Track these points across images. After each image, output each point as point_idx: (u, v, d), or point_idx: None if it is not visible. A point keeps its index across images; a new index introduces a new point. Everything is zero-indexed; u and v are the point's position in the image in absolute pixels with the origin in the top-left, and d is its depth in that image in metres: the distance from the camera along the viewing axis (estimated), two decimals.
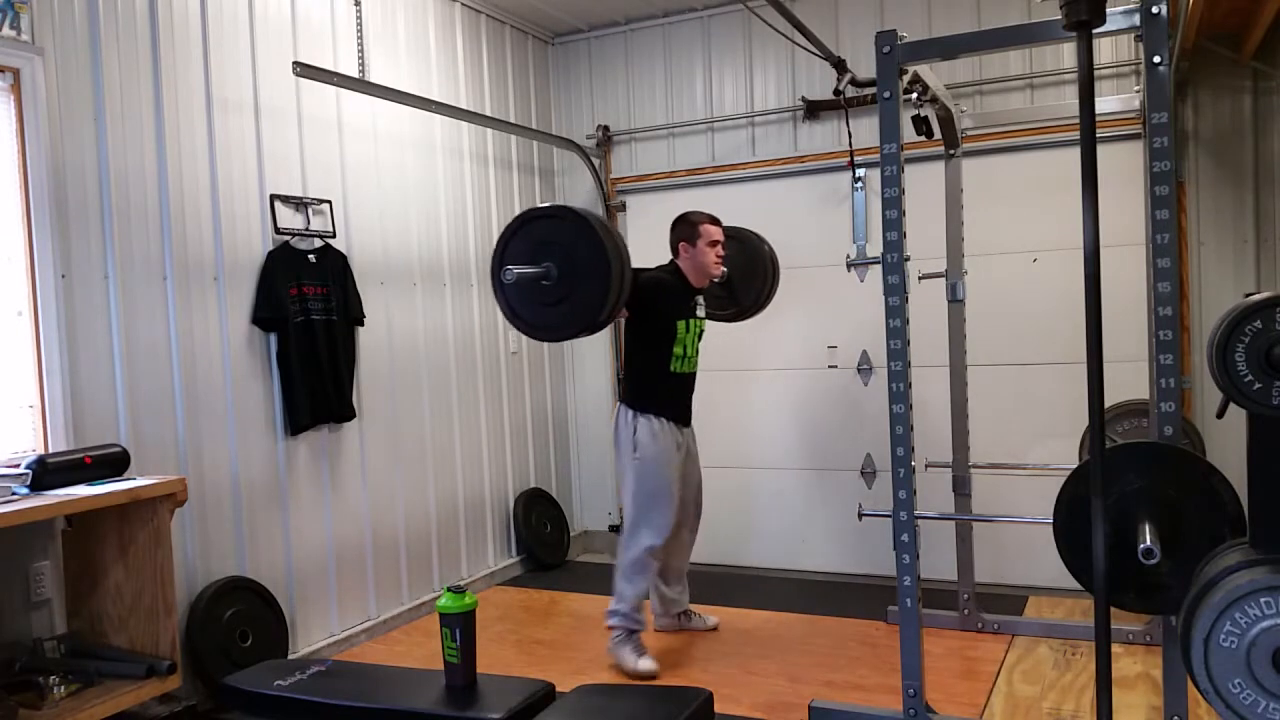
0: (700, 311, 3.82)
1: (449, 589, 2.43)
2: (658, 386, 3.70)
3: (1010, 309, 4.44)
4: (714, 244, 3.73)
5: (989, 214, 4.36)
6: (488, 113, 4.91)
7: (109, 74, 3.14)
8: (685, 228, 3.76)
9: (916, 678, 2.82)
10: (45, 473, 2.68)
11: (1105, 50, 4.26)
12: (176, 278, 3.34)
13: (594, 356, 5.51)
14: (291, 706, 2.33)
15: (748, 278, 4.13)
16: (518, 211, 5.12)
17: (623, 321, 3.68)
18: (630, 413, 3.67)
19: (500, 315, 4.99)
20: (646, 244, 5.33)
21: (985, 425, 4.08)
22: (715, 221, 3.78)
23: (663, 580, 4.00)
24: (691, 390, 3.83)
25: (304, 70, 3.64)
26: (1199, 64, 4.05)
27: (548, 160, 5.50)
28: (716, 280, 3.88)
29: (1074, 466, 2.60)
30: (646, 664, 3.54)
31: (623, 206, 5.42)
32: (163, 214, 3.30)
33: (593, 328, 3.07)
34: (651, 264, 3.81)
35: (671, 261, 3.79)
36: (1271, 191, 4.01)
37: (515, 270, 2.86)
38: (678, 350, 3.70)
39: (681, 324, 3.69)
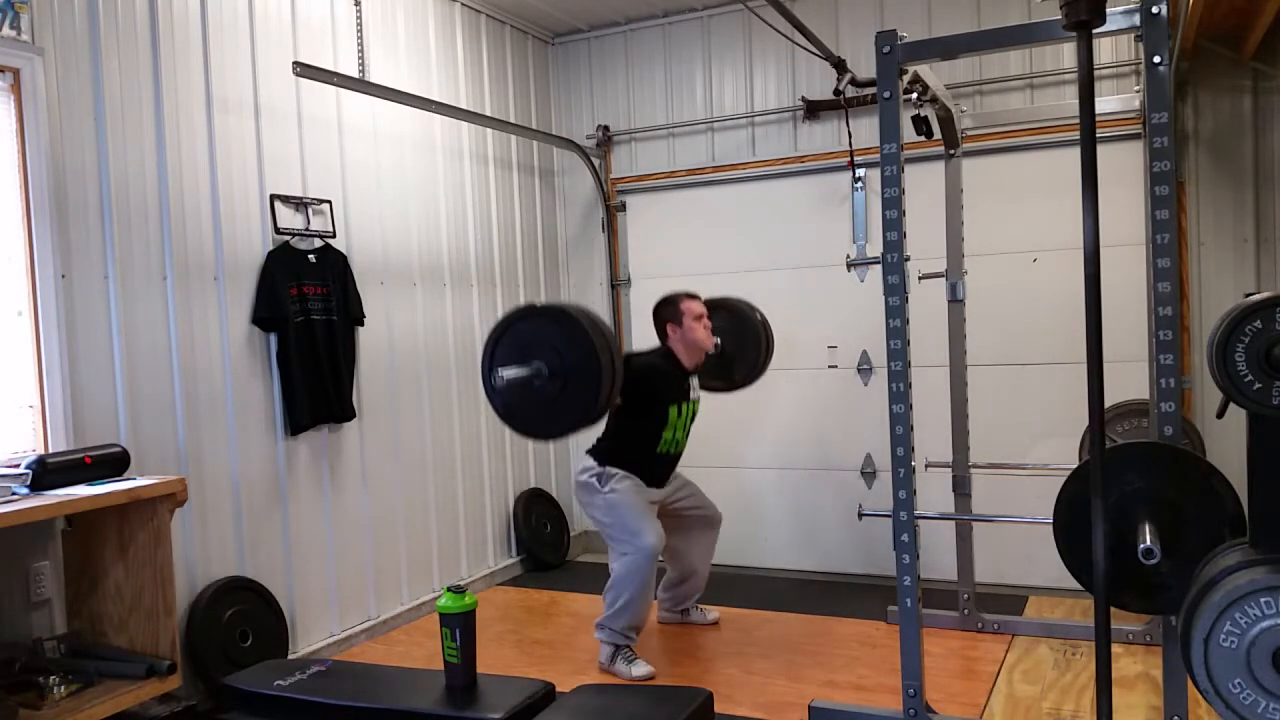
0: (694, 394, 3.78)
1: (449, 589, 2.43)
2: (639, 462, 3.66)
3: (1010, 309, 4.44)
4: (699, 318, 3.70)
5: (989, 214, 4.37)
6: (488, 113, 4.91)
7: (109, 74, 3.13)
8: (667, 309, 3.73)
9: (916, 678, 2.82)
10: (45, 473, 2.68)
11: (1105, 50, 4.26)
12: (176, 278, 3.34)
13: None
14: (291, 706, 2.33)
15: (741, 348, 4.06)
16: (517, 212, 5.19)
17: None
18: (596, 464, 3.62)
19: (501, 315, 5.03)
20: (647, 245, 5.37)
21: (985, 425, 4.08)
22: (694, 296, 3.75)
23: (679, 591, 4.04)
24: (674, 467, 3.80)
25: (304, 70, 3.64)
26: (1199, 64, 4.05)
27: (548, 160, 5.50)
28: (711, 353, 3.84)
29: (1074, 466, 2.60)
30: (641, 669, 3.54)
31: (623, 206, 5.42)
32: (163, 214, 3.30)
33: (588, 422, 3.01)
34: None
35: (662, 346, 3.76)
36: (1271, 191, 4.01)
37: (506, 374, 2.81)
38: (667, 435, 3.68)
39: (674, 409, 3.67)
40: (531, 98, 5.35)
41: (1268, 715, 1.73)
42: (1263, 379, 1.78)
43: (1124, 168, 4.09)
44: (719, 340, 3.86)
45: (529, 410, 2.95)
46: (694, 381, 3.79)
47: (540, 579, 4.97)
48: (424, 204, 4.53)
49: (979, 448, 3.95)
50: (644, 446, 3.66)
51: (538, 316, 2.99)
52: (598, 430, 3.56)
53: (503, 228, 5.08)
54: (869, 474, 4.82)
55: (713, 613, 4.14)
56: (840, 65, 4.14)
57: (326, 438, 3.93)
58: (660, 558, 3.59)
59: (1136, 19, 2.42)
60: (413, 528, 4.39)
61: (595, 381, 2.83)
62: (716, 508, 4.01)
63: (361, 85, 3.96)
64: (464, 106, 4.71)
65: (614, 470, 3.61)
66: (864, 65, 4.38)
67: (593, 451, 3.70)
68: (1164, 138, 2.33)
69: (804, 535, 4.99)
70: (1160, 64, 2.36)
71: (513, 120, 5.12)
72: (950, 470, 3.87)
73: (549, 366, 2.87)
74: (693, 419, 3.79)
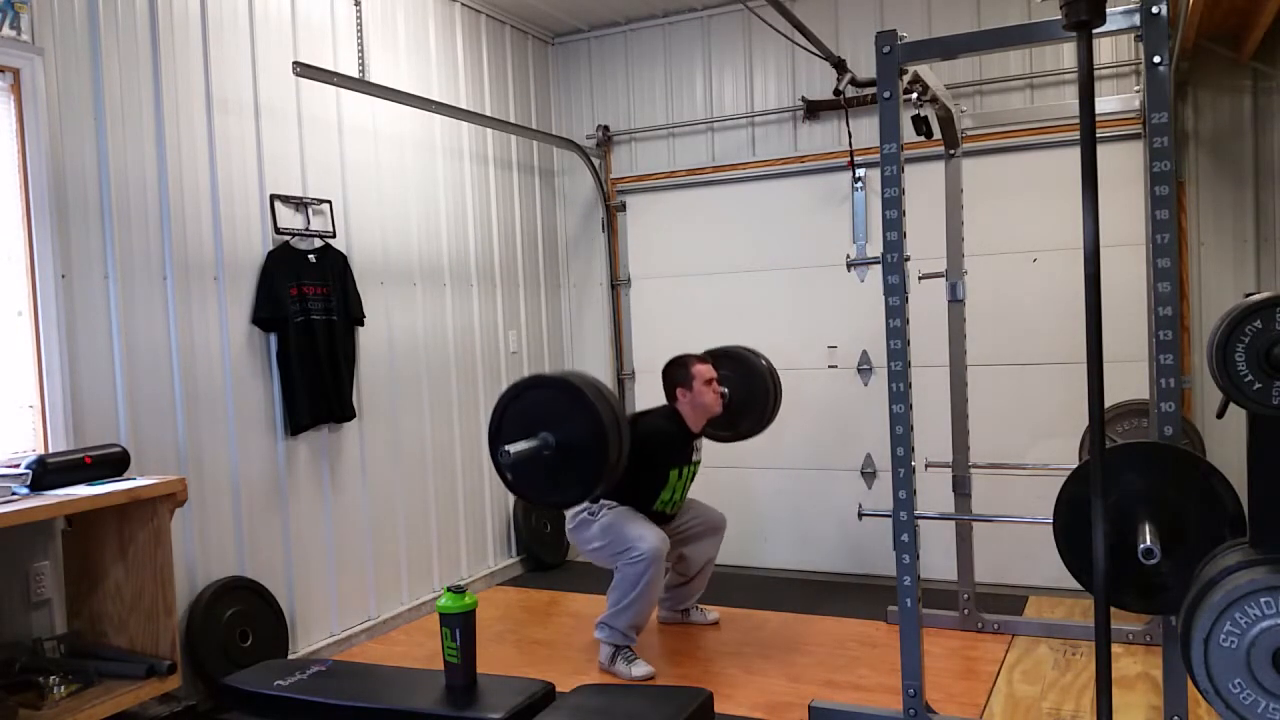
0: (697, 455, 3.80)
1: (449, 589, 2.43)
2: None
3: (1010, 309, 4.44)
4: (709, 382, 3.71)
5: (989, 214, 4.37)
6: (488, 113, 4.92)
7: (109, 74, 3.13)
8: (678, 371, 3.73)
9: (916, 678, 2.82)
10: (45, 473, 2.68)
11: (1105, 50, 4.26)
12: (176, 278, 3.34)
13: (594, 356, 5.50)
14: (291, 706, 2.33)
15: (748, 399, 4.04)
16: (517, 211, 5.19)
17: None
18: (588, 503, 3.59)
19: (501, 315, 5.04)
20: (647, 245, 5.37)
21: (985, 425, 4.08)
22: (705, 360, 3.76)
23: (680, 592, 4.04)
24: (670, 522, 3.80)
25: (304, 70, 3.64)
26: (1199, 64, 4.05)
27: (548, 160, 5.50)
28: (717, 415, 3.84)
29: (1074, 466, 2.60)
30: (641, 669, 3.54)
31: (623, 206, 5.42)
32: (163, 214, 3.30)
33: (596, 490, 2.99)
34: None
35: (669, 406, 3.76)
36: (1271, 191, 4.01)
37: (513, 450, 2.78)
38: (665, 495, 3.70)
39: (675, 471, 3.69)
40: (531, 98, 5.35)
41: (1268, 715, 1.73)
42: (1263, 379, 1.78)
43: (1124, 168, 4.09)
44: (726, 391, 3.85)
45: (538, 480, 2.93)
46: (698, 443, 3.82)
47: (540, 579, 4.97)
48: (424, 204, 4.53)
49: (979, 448, 3.96)
50: (643, 506, 3.66)
51: (544, 387, 2.99)
52: None
53: (503, 228, 5.08)
54: (869, 474, 4.82)
55: (713, 613, 4.14)
56: (840, 65, 4.14)
57: (326, 438, 3.93)
58: (666, 564, 3.60)
59: (1136, 19, 2.42)
60: (413, 528, 4.39)
61: (603, 452, 2.82)
62: (719, 512, 4.01)
63: (361, 85, 3.96)
64: (464, 106, 4.71)
65: (607, 502, 3.62)
66: (864, 65, 4.38)
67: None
68: (1164, 138, 2.33)
69: (804, 535, 4.99)
70: (1160, 64, 2.36)
71: (513, 120, 5.12)
72: (950, 470, 3.87)
73: (555, 438, 2.86)
74: (692, 479, 3.82)
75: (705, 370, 3.73)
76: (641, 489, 3.64)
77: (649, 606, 3.58)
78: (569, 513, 3.72)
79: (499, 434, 2.90)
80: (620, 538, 3.53)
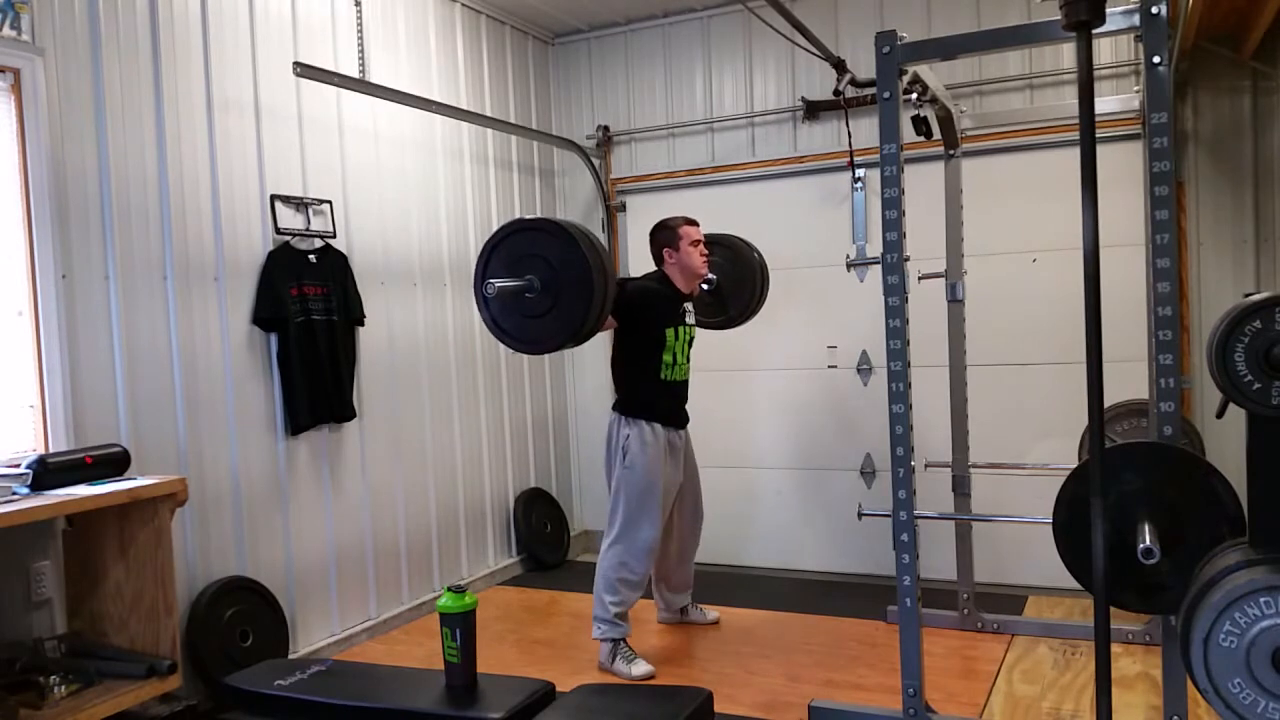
0: (689, 319, 3.79)
1: (449, 589, 2.43)
2: (650, 394, 3.69)
3: (1010, 309, 4.44)
4: (696, 243, 3.72)
5: (989, 214, 4.37)
6: (488, 113, 4.92)
7: (109, 74, 3.14)
8: (665, 233, 3.75)
9: (916, 677, 2.82)
10: (46, 472, 2.68)
11: (1105, 50, 4.26)
12: (177, 278, 3.34)
13: (594, 356, 5.50)
14: (292, 706, 2.33)
15: (737, 286, 4.11)
16: (517, 212, 5.18)
17: (612, 331, 3.67)
18: (622, 419, 3.67)
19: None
20: (647, 245, 5.35)
21: (985, 425, 4.08)
22: (692, 222, 3.77)
23: (666, 587, 4.03)
24: (685, 396, 3.82)
25: (304, 70, 3.64)
26: (1199, 64, 4.05)
27: (548, 160, 5.50)
28: (706, 285, 3.87)
29: (1074, 466, 2.61)
30: (640, 668, 3.55)
31: (623, 207, 5.42)
32: (163, 214, 3.31)
33: (577, 338, 3.03)
34: (652, 265, 3.81)
35: (658, 270, 3.78)
36: (1271, 191, 4.01)
37: (497, 284, 2.84)
38: (667, 358, 3.68)
39: (670, 331, 3.67)
40: (531, 98, 5.35)
41: (1267, 715, 1.73)
42: (1262, 379, 1.79)
43: (1124, 168, 4.09)
44: (715, 276, 3.89)
45: (519, 323, 2.97)
46: (689, 307, 3.80)
47: (540, 579, 4.98)
48: (424, 204, 4.53)
49: (979, 448, 3.96)
50: (650, 376, 3.66)
51: (532, 230, 2.99)
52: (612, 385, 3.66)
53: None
54: (869, 474, 4.82)
55: (713, 613, 4.14)
56: (840, 65, 4.14)
57: (327, 437, 3.93)
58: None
59: (1136, 19, 2.42)
60: (413, 527, 4.39)
61: (587, 296, 2.85)
62: (701, 510, 4.01)
63: (361, 85, 3.96)
64: (464, 107, 4.71)
65: (634, 426, 3.62)
66: (864, 65, 4.38)
67: (615, 407, 3.73)
68: (1163, 138, 2.33)
69: (804, 535, 4.99)
70: (1160, 64, 2.36)
71: (513, 120, 5.12)
72: (950, 470, 3.87)
73: (541, 280, 2.89)
74: (690, 345, 3.80)
75: (691, 231, 3.73)
76: (645, 355, 3.64)
77: (632, 590, 3.60)
78: (608, 423, 3.74)
79: (485, 272, 2.94)
80: (634, 511, 3.59)
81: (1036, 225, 4.41)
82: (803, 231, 4.92)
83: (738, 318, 4.17)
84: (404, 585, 4.33)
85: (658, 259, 3.78)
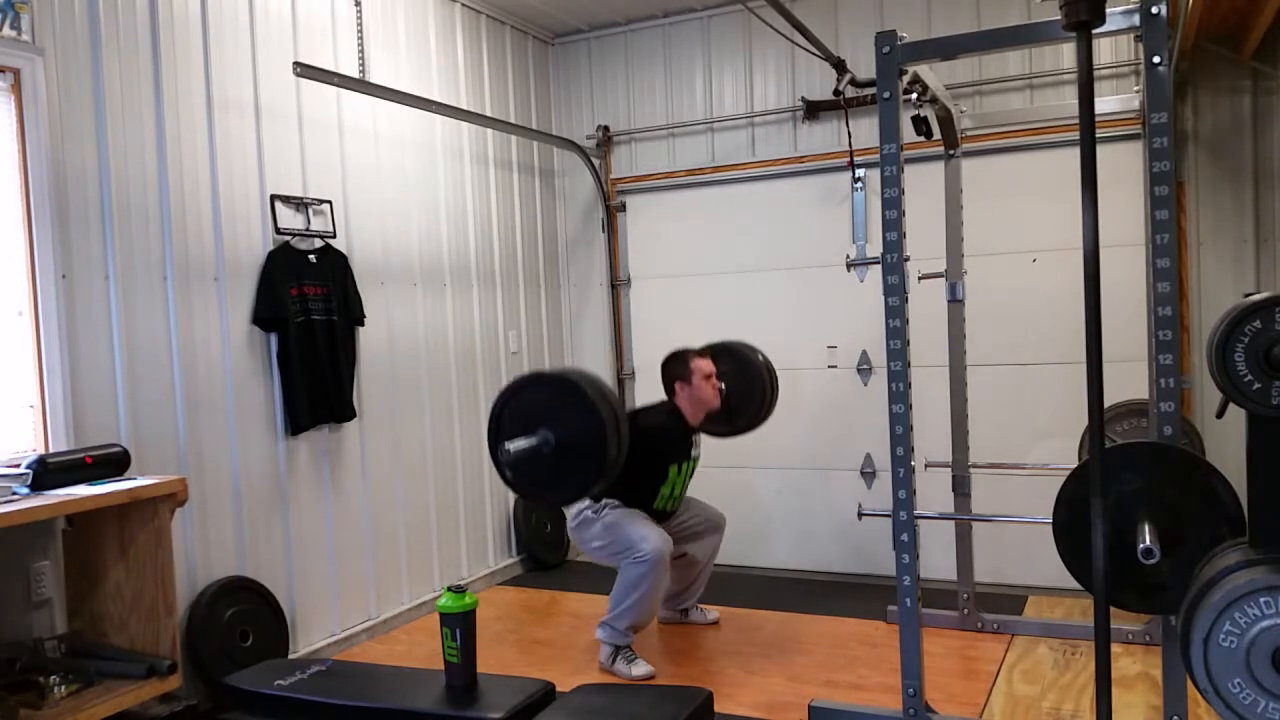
0: (696, 451, 3.81)
1: (449, 589, 2.43)
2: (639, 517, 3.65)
3: (1010, 309, 4.44)
4: (708, 377, 3.71)
5: (989, 214, 4.37)
6: (488, 113, 4.92)
7: (109, 74, 3.14)
8: (678, 366, 3.73)
9: (916, 677, 2.82)
10: (46, 472, 2.68)
11: (1105, 50, 4.26)
12: (177, 278, 3.34)
13: (594, 356, 5.51)
14: (292, 706, 2.33)
15: (745, 397, 4.02)
16: (517, 211, 5.19)
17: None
18: (590, 502, 3.60)
19: (501, 315, 5.04)
20: (647, 245, 5.37)
21: (985, 425, 4.09)
22: (704, 355, 3.76)
23: (682, 590, 4.05)
24: (671, 520, 3.79)
25: (304, 70, 3.64)
26: (1199, 64, 4.05)
27: (548, 160, 5.50)
28: (715, 410, 3.83)
29: (1074, 466, 2.60)
30: (641, 669, 3.54)
31: (623, 207, 5.42)
32: (163, 214, 3.31)
33: (596, 488, 2.99)
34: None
35: (669, 401, 3.77)
36: (1271, 191, 4.01)
37: (513, 448, 2.77)
38: (665, 491, 3.70)
39: (674, 468, 3.69)
40: (531, 98, 5.35)
41: (1267, 715, 1.73)
42: (1262, 379, 1.79)
43: (1124, 168, 4.09)
44: (723, 386, 3.83)
45: (536, 477, 2.92)
46: (697, 438, 3.82)
47: (540, 579, 4.98)
48: (424, 204, 4.53)
49: (979, 448, 3.96)
50: (641, 502, 3.66)
51: (543, 384, 2.99)
52: None
53: (503, 228, 5.09)
54: (869, 474, 4.82)
55: (713, 613, 4.14)
56: (840, 65, 4.14)
57: (327, 438, 3.93)
58: (671, 564, 3.59)
59: (1136, 19, 2.42)
60: (413, 527, 4.39)
61: (602, 450, 2.81)
62: (718, 510, 4.02)
63: (361, 85, 3.96)
64: (464, 107, 4.71)
65: (609, 500, 3.61)
66: (864, 65, 4.38)
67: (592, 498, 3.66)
68: (1163, 138, 2.33)
69: (804, 535, 5.00)
70: (1160, 64, 2.36)
71: (513, 120, 5.12)
72: (950, 470, 3.87)
73: (555, 436, 2.85)
74: (691, 475, 3.82)
75: (704, 365, 3.73)
76: (642, 486, 3.64)
77: (651, 607, 3.58)
78: (570, 511, 3.72)
79: (499, 431, 2.90)
80: (623, 537, 3.53)
81: (1036, 225, 4.41)
82: (803, 231, 4.92)
83: (745, 428, 4.11)
84: (404, 585, 4.33)
85: (669, 390, 3.76)
